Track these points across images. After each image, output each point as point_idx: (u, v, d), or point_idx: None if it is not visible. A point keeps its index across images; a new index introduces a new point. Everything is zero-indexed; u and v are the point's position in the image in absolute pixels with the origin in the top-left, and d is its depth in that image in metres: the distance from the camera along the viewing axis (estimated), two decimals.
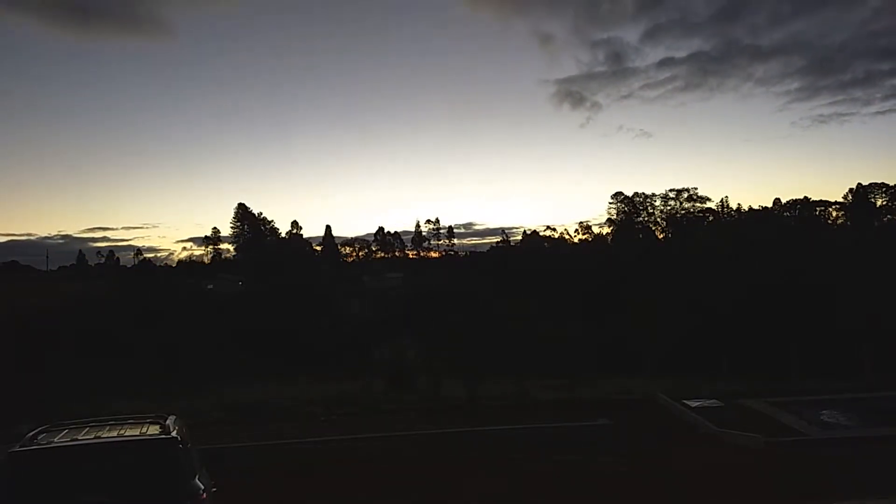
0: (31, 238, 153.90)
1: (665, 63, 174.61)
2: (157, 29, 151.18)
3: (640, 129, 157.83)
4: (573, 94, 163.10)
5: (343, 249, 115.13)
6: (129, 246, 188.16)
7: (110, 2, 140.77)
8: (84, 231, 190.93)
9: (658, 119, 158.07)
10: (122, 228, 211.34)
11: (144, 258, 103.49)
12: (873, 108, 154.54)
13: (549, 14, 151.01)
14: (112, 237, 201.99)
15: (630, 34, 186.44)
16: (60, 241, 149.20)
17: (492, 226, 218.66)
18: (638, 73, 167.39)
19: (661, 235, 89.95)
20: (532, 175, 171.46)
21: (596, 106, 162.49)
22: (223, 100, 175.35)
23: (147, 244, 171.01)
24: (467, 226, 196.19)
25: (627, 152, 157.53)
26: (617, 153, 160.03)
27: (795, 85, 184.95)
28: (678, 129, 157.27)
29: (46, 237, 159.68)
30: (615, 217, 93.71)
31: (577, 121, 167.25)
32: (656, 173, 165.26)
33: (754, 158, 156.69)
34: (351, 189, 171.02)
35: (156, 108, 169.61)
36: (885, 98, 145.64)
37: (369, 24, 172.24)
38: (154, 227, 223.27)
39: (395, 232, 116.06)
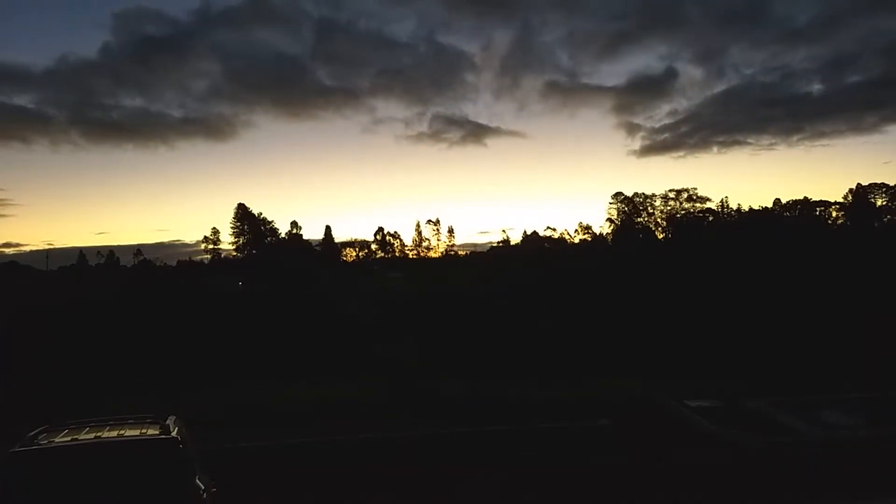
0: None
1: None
2: None
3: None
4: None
5: (343, 250, 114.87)
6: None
7: None
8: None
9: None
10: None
11: (144, 258, 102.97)
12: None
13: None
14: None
15: None
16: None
17: (492, 226, 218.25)
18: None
19: (661, 235, 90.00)
20: (532, 175, 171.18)
21: None
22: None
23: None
24: (467, 226, 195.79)
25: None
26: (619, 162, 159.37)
27: None
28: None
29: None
30: (615, 217, 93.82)
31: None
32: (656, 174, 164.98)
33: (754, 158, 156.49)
34: (351, 189, 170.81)
35: None
36: None
37: None
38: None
39: (395, 232, 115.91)
